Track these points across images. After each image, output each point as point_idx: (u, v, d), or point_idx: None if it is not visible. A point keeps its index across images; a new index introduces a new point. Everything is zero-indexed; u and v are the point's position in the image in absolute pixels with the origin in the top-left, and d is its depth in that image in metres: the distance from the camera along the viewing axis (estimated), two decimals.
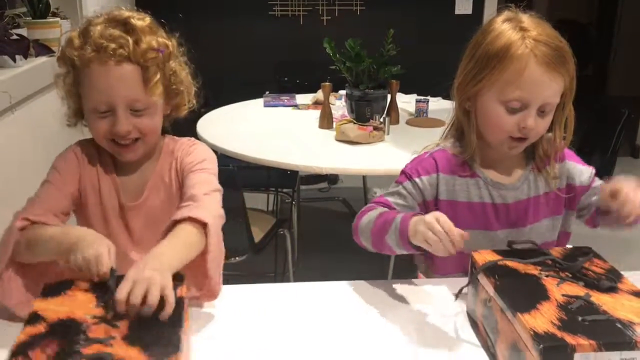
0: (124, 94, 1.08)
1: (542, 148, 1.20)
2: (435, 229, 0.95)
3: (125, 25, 1.09)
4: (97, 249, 0.92)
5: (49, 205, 1.11)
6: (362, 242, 1.17)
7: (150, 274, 0.87)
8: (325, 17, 3.72)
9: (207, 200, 1.08)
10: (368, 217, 1.15)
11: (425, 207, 1.20)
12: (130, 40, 1.08)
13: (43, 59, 1.94)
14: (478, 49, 1.12)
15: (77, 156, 1.18)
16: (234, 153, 2.11)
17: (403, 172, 1.23)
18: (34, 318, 0.84)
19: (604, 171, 2.53)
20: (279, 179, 2.66)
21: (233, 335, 1.00)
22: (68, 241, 0.96)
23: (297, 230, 2.60)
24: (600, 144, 2.54)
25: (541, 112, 1.11)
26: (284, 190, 2.70)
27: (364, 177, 3.35)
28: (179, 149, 1.21)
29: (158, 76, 1.10)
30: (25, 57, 1.86)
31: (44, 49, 1.92)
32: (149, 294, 0.85)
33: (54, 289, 0.91)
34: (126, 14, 1.11)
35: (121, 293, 0.85)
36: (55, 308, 0.86)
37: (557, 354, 0.76)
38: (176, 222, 1.02)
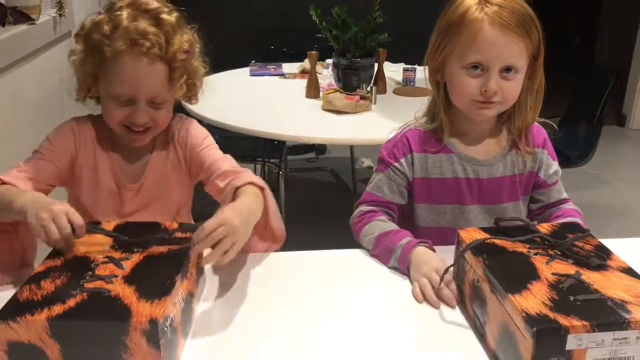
0: (149, 90, 1.11)
1: (516, 121, 1.20)
2: (418, 294, 1.00)
3: (156, 20, 1.11)
4: (56, 208, 0.92)
5: (28, 171, 1.11)
6: (364, 246, 1.19)
7: (237, 225, 0.93)
8: None
9: (244, 170, 1.15)
10: (366, 232, 1.18)
11: (410, 186, 1.23)
12: (163, 39, 1.10)
13: (22, 27, 1.89)
14: (442, 21, 1.15)
15: (74, 132, 1.19)
16: (220, 123, 2.08)
17: (381, 159, 1.25)
18: (54, 252, 0.93)
19: (590, 140, 2.55)
20: (266, 149, 2.64)
21: (220, 303, 0.99)
22: (20, 201, 0.96)
23: (284, 200, 2.60)
24: (586, 113, 2.55)
25: (505, 75, 1.11)
26: (271, 160, 2.69)
27: (351, 147, 3.34)
28: (174, 128, 1.23)
29: (184, 78, 1.14)
30: (3, 25, 1.81)
31: (22, 16, 1.86)
32: (224, 243, 0.91)
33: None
34: (155, 4, 1.12)
35: (206, 228, 0.91)
36: (77, 245, 0.95)
37: (550, 336, 0.75)
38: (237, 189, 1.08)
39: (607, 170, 3.57)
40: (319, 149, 3.72)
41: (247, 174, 1.13)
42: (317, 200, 3.23)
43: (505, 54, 1.10)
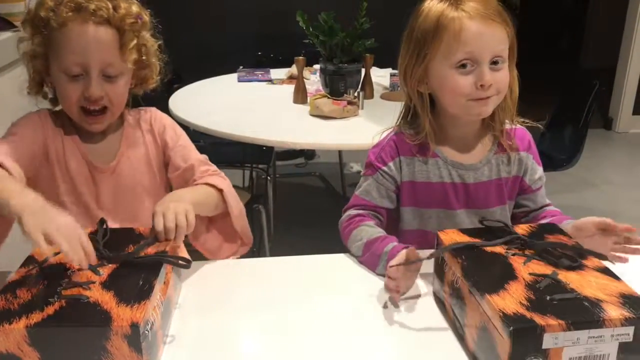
0: (100, 57, 1.09)
1: (497, 116, 1.20)
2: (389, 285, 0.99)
3: None
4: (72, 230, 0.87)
5: (12, 151, 1.06)
6: (353, 253, 1.19)
7: (172, 204, 1.02)
8: None
9: (216, 174, 1.21)
10: (354, 238, 1.17)
11: (398, 190, 1.22)
12: (110, 4, 1.08)
13: (6, 35, 1.88)
14: (413, 33, 1.15)
15: (41, 119, 1.16)
16: (207, 129, 2.08)
17: (369, 164, 1.24)
18: (29, 260, 0.92)
19: (575, 143, 2.57)
20: (254, 154, 2.64)
21: (208, 309, 0.99)
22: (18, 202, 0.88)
23: (272, 206, 2.59)
24: (572, 117, 2.56)
25: (495, 66, 1.11)
26: (260, 166, 2.68)
27: (340, 152, 3.34)
28: (147, 120, 1.24)
29: (134, 42, 1.11)
30: None
31: (6, 24, 1.86)
32: (178, 219, 0.99)
33: None
34: None
35: (158, 225, 0.98)
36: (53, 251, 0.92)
37: (527, 335, 0.75)
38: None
39: (594, 173, 3.60)
40: (308, 154, 3.72)
41: (212, 178, 1.18)
42: (306, 205, 3.23)
43: (492, 43, 1.09)
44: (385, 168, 1.21)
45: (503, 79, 1.13)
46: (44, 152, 1.15)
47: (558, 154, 2.56)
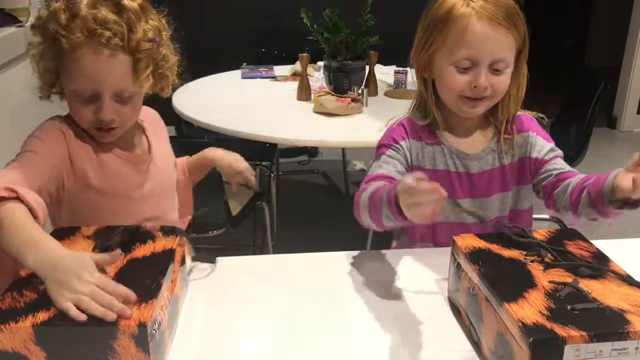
0: (113, 84, 1.05)
1: (499, 114, 1.19)
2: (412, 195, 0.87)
3: (117, 6, 1.03)
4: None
5: (34, 176, 0.98)
6: (364, 221, 1.09)
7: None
8: None
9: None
10: (363, 201, 1.09)
11: (409, 171, 1.18)
12: (125, 28, 1.02)
13: (10, 30, 1.87)
14: (426, 18, 1.15)
15: (61, 128, 1.08)
16: (211, 125, 2.08)
17: (380, 145, 1.22)
18: None
19: (580, 142, 2.56)
20: (257, 151, 2.63)
21: (214, 307, 0.99)
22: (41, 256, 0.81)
23: (276, 203, 2.59)
24: (577, 115, 2.55)
25: (495, 69, 1.11)
26: (263, 163, 2.68)
27: (343, 150, 3.34)
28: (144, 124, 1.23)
29: (150, 69, 1.07)
30: None
31: (10, 18, 1.85)
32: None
33: (58, 234, 0.95)
34: None
35: None
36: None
37: (547, 347, 0.73)
38: None
39: (597, 172, 3.57)
40: (311, 152, 3.71)
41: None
42: (309, 202, 3.22)
43: (494, 48, 1.09)
44: (397, 145, 1.19)
45: (500, 83, 1.12)
46: (69, 164, 1.08)
47: (564, 151, 2.55)
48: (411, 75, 1.23)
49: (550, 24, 5.32)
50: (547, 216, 2.70)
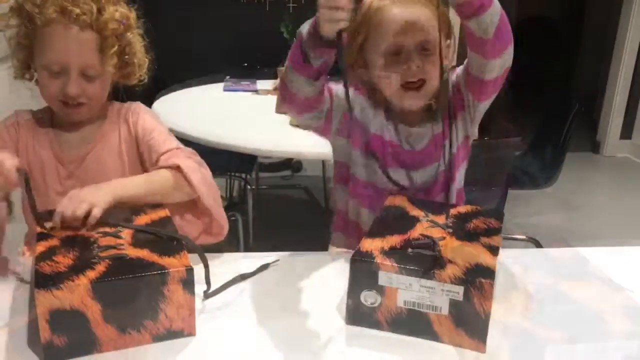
0: (80, 59, 1.12)
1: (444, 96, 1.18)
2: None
3: None
4: None
5: None
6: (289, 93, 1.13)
7: (83, 193, 1.00)
8: (291, 4, 3.71)
9: (185, 158, 1.14)
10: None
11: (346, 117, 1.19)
12: (94, 7, 1.11)
13: None
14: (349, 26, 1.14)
15: (19, 121, 1.20)
16: (190, 136, 2.09)
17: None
18: (43, 236, 0.93)
19: (555, 163, 2.58)
20: (238, 164, 2.65)
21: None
22: None
23: (252, 215, 2.59)
24: (552, 137, 2.57)
25: (424, 52, 1.10)
26: (237, 174, 2.68)
27: (323, 164, 3.36)
28: (124, 113, 1.25)
29: (115, 48, 1.15)
30: None
31: None
32: (77, 209, 0.96)
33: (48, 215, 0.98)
34: None
35: (59, 207, 0.96)
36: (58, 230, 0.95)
37: (363, 268, 0.86)
38: None
39: (579, 196, 3.61)
40: (295, 167, 3.73)
41: (175, 159, 1.12)
42: (288, 217, 3.23)
43: (417, 30, 1.09)
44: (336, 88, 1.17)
45: (432, 65, 1.10)
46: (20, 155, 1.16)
47: (538, 173, 2.57)
48: None
49: (537, 52, 5.39)
50: (523, 237, 2.74)
